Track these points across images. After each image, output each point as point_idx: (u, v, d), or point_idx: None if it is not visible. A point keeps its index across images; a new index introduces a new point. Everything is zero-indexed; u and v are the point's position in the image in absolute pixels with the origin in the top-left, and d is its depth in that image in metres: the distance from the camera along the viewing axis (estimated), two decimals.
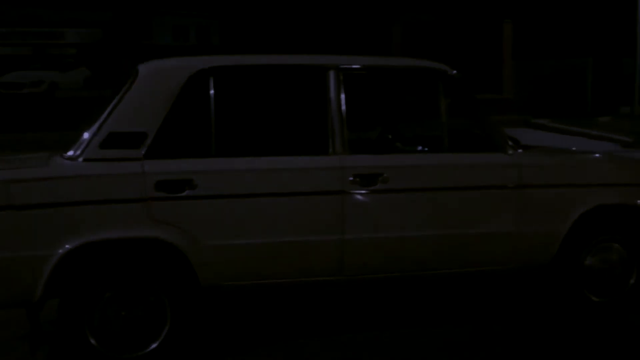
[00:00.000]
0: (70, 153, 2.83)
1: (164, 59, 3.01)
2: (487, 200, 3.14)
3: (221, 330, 3.32)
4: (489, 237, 3.15)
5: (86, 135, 2.85)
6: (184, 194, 2.77)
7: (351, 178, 2.95)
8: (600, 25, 14.63)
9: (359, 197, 2.97)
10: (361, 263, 3.01)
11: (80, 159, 2.75)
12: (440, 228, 3.08)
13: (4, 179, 2.64)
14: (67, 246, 2.63)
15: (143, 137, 2.78)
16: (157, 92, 2.82)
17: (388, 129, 3.45)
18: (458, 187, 3.09)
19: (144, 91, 2.83)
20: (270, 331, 3.27)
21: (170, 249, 2.79)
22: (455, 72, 3.18)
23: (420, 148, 3.23)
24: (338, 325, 3.31)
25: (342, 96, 3.01)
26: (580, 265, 3.36)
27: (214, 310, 3.52)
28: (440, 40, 14.62)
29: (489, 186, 3.13)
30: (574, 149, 4.22)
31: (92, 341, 2.70)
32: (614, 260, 3.40)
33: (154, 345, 2.80)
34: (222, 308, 3.56)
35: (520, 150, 3.26)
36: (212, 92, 2.87)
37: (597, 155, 3.75)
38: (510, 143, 3.23)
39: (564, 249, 3.29)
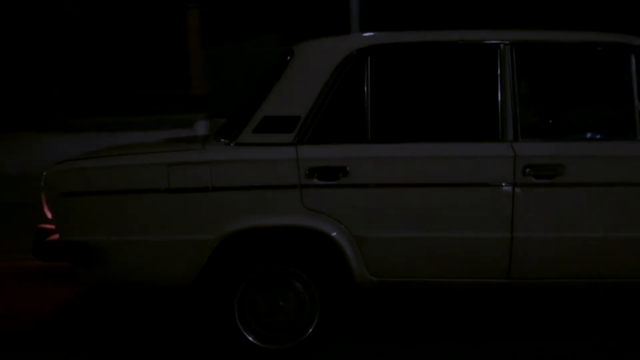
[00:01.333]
0: (224, 137, 2.77)
1: (321, 39, 2.84)
2: None
3: (363, 324, 3.13)
4: None
5: (240, 119, 2.78)
6: (337, 182, 2.60)
7: (524, 168, 2.60)
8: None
9: (531, 190, 2.61)
10: (531, 265, 2.66)
11: (234, 144, 2.67)
12: (627, 230, 2.63)
13: (163, 162, 2.63)
14: (223, 231, 2.58)
15: (296, 121, 2.64)
16: (313, 73, 2.66)
17: (560, 113, 3.02)
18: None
19: (300, 72, 2.68)
20: (422, 329, 3.03)
21: (323, 239, 2.63)
22: None
23: (600, 136, 2.77)
24: (487, 332, 2.99)
25: (515, 76, 2.66)
26: None
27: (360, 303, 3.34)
28: (119, 32, 13.04)
29: None
30: None
31: (241, 328, 2.64)
32: None
33: (302, 338, 2.68)
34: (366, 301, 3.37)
35: None
36: (369, 72, 2.66)
37: None
38: None
39: None
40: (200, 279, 2.67)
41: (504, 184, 2.60)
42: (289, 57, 2.76)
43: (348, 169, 2.60)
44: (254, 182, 2.60)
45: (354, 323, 3.08)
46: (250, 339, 2.68)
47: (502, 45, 2.68)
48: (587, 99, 2.94)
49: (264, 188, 2.60)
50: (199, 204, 2.60)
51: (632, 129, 2.68)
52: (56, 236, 2.71)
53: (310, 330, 2.68)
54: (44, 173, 2.74)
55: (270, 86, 2.72)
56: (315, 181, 2.60)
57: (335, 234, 2.61)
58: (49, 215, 2.72)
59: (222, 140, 2.78)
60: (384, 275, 2.69)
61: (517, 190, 2.60)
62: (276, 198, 2.60)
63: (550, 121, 3.03)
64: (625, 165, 2.63)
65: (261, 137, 2.65)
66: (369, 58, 2.67)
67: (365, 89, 2.66)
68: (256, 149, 2.65)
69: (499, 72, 2.67)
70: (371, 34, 2.75)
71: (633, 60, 2.67)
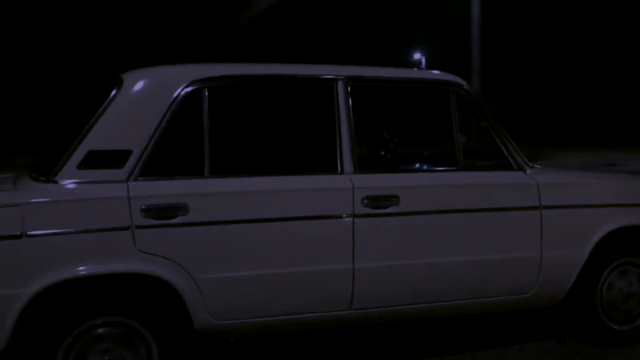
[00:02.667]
0: (42, 175, 2.45)
1: (152, 67, 2.65)
2: (507, 223, 2.88)
3: None
4: (510, 262, 2.89)
5: (60, 154, 2.48)
6: (176, 220, 2.42)
7: (362, 200, 2.65)
8: None
9: (370, 221, 2.67)
10: (372, 294, 2.70)
11: (53, 181, 2.37)
12: (460, 254, 2.80)
13: None
14: (39, 284, 2.24)
15: (127, 155, 2.42)
16: (146, 104, 2.47)
17: (394, 147, 3.17)
18: (475, 209, 2.83)
19: (130, 103, 2.47)
20: None
21: (159, 284, 2.42)
22: (467, 84, 2.95)
23: (430, 167, 2.95)
24: None
25: (351, 110, 2.73)
26: (600, 291, 3.14)
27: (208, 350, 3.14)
28: None
29: (509, 208, 2.88)
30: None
31: None
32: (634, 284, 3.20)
33: None
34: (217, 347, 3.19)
35: (537, 168, 3.03)
36: (206, 104, 2.54)
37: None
38: (527, 161, 3.00)
39: (583, 274, 3.07)
40: (15, 342, 2.29)
41: (344, 216, 2.63)
42: (116, 87, 2.53)
43: (187, 205, 2.44)
44: (78, 225, 2.31)
45: None
46: None
47: (338, 81, 2.74)
48: (420, 133, 3.12)
49: (90, 231, 2.32)
50: (8, 254, 2.24)
51: (456, 159, 2.89)
52: None
53: None
54: None
55: (97, 118, 2.47)
56: (151, 221, 2.40)
57: (173, 278, 2.42)
58: None
59: (39, 178, 2.45)
60: (228, 318, 2.54)
61: (357, 221, 2.64)
62: (104, 242, 2.34)
63: (386, 154, 3.16)
64: (450, 193, 2.81)
65: (86, 173, 2.38)
66: (205, 89, 2.55)
67: (203, 121, 2.53)
68: (80, 187, 2.37)
69: (335, 107, 2.71)
70: (208, 65, 2.64)
71: (454, 98, 2.90)
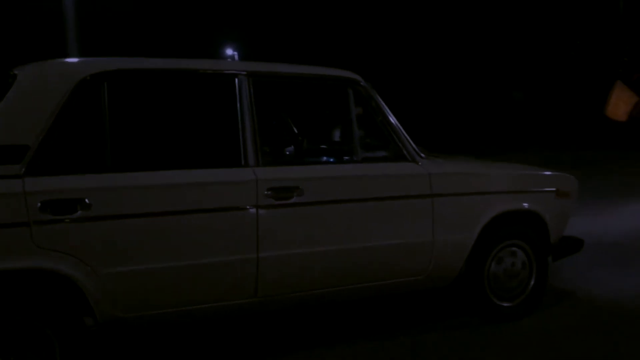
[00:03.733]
0: None
1: (47, 61, 2.61)
2: (401, 210, 3.08)
3: None
4: (405, 246, 3.09)
5: None
6: (74, 215, 2.41)
7: (265, 191, 2.75)
8: None
9: (274, 212, 2.77)
10: (276, 282, 2.81)
11: None
12: (359, 241, 2.96)
13: None
14: None
15: (24, 150, 2.38)
16: (43, 99, 2.43)
17: (299, 140, 3.29)
18: (373, 198, 3.00)
19: (26, 98, 2.43)
20: None
21: (60, 280, 2.40)
22: (364, 81, 3.13)
23: (332, 159, 3.10)
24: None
25: (254, 105, 2.82)
26: (488, 271, 3.42)
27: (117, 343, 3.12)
28: None
29: (404, 196, 3.09)
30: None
31: None
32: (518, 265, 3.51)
33: None
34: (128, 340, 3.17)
35: (429, 160, 3.25)
36: (106, 99, 2.54)
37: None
38: (420, 153, 3.22)
39: (472, 256, 3.34)
40: None
41: (248, 207, 2.71)
42: (10, 82, 2.48)
43: (86, 200, 2.43)
44: None
45: None
46: None
47: (240, 76, 2.82)
48: (326, 126, 3.26)
49: None
50: None
51: (355, 152, 3.06)
52: None
53: None
54: None
55: None
56: (49, 216, 2.37)
57: (73, 273, 2.41)
58: None
59: None
60: (132, 310, 2.56)
61: (261, 212, 2.74)
62: (0, 238, 2.30)
63: (293, 147, 3.27)
64: (348, 184, 2.97)
65: None
66: (105, 84, 2.55)
67: (103, 115, 2.53)
68: None
69: (238, 101, 2.80)
70: (107, 58, 2.63)
71: (351, 93, 3.06)
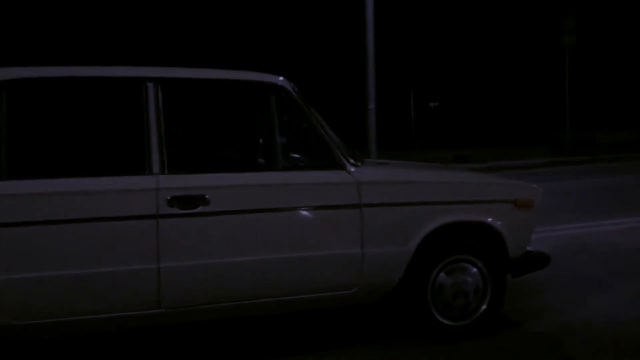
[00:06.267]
0: None
1: None
2: (324, 221, 2.92)
3: None
4: (328, 259, 2.93)
5: None
6: None
7: (169, 200, 2.68)
8: None
9: (176, 221, 2.70)
10: (180, 294, 2.72)
11: None
12: (272, 252, 2.83)
13: None
14: None
15: None
16: None
17: (217, 147, 3.18)
18: (290, 207, 2.87)
19: None
20: None
21: None
22: (288, 84, 3.00)
23: (247, 167, 2.98)
24: None
25: (161, 111, 2.77)
26: (432, 287, 3.19)
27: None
28: None
29: (326, 206, 2.93)
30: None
31: None
32: (468, 283, 3.25)
33: None
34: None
35: (361, 167, 3.08)
36: (4, 107, 2.57)
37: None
38: (350, 160, 3.05)
39: (411, 270, 3.13)
40: None
41: (147, 216, 2.65)
42: None
43: None
44: None
45: None
46: None
47: (147, 82, 2.77)
48: (246, 132, 3.15)
49: None
50: None
51: (274, 159, 2.93)
52: None
53: None
54: None
55: None
56: None
57: None
58: None
59: None
60: (27, 318, 2.55)
61: (162, 221, 2.67)
62: None
63: (208, 155, 3.16)
64: (265, 193, 2.84)
65: None
66: (4, 93, 2.58)
67: (1, 124, 2.56)
68: None
69: (144, 108, 2.75)
70: (4, 68, 2.66)
71: (274, 98, 2.94)
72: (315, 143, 3.00)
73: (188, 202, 2.71)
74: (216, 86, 2.94)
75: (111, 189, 2.64)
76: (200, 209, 2.73)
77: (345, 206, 2.96)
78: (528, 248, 3.51)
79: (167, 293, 2.70)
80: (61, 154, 2.69)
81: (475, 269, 3.27)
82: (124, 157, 2.75)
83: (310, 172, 2.97)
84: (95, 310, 2.64)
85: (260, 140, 3.03)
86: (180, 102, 2.86)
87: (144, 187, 2.67)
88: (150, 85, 2.77)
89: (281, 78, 3.00)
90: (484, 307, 3.28)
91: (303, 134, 3.02)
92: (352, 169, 3.02)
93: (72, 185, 2.60)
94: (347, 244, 2.96)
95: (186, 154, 2.86)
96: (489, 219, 3.24)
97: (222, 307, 2.83)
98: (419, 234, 3.09)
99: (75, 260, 2.57)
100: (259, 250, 2.82)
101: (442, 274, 3.21)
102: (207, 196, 2.74)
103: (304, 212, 2.89)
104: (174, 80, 2.84)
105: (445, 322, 3.22)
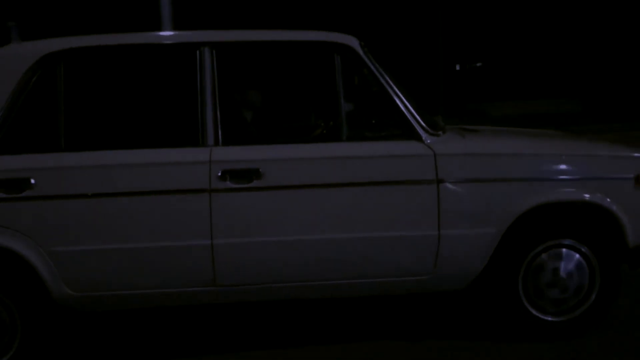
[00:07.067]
0: None
1: (10, 45, 2.69)
2: (394, 198, 2.60)
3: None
4: (398, 241, 2.61)
5: None
6: (23, 194, 2.47)
7: (219, 174, 2.52)
8: None
9: (229, 196, 2.53)
10: (235, 271, 2.58)
11: None
12: (332, 231, 2.58)
13: None
14: None
15: None
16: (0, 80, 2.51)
17: (276, 116, 2.94)
18: (354, 182, 2.57)
19: None
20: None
21: (12, 257, 2.50)
22: (356, 43, 2.65)
23: (308, 138, 2.72)
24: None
25: (216, 78, 2.58)
26: (524, 277, 2.75)
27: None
28: None
29: (397, 182, 2.59)
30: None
31: None
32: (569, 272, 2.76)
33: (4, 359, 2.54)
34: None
35: (442, 137, 2.68)
36: (62, 77, 2.53)
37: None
38: (428, 129, 2.66)
39: (499, 257, 2.71)
40: None
41: (199, 190, 2.51)
42: None
43: (33, 180, 2.47)
44: None
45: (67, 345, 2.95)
46: None
47: (201, 47, 2.59)
48: (314, 100, 2.88)
49: None
50: None
51: (339, 129, 2.64)
52: None
53: (11, 354, 2.55)
54: None
55: None
56: (1, 194, 2.47)
57: (24, 250, 2.48)
58: None
59: None
60: (85, 289, 2.57)
61: (214, 195, 2.52)
62: None
63: (266, 125, 2.95)
64: (325, 166, 2.57)
65: None
66: (62, 63, 2.54)
67: (58, 94, 2.53)
68: None
69: (198, 75, 2.58)
70: (65, 38, 2.61)
71: (339, 60, 2.62)
72: (385, 109, 2.66)
73: (241, 175, 2.53)
74: (274, 49, 2.68)
75: (164, 161, 2.53)
76: (254, 183, 2.54)
77: (418, 182, 2.60)
78: None
79: (221, 271, 2.57)
80: (115, 125, 2.63)
81: (579, 257, 2.76)
82: (179, 128, 2.62)
83: (379, 143, 2.64)
84: (152, 285, 2.59)
85: (324, 107, 2.74)
86: (236, 67, 2.66)
87: (197, 160, 2.53)
88: (205, 50, 2.59)
89: (347, 36, 2.67)
90: (589, 302, 2.78)
91: (373, 100, 2.68)
92: (429, 140, 2.64)
93: (125, 158, 2.53)
94: (421, 224, 2.61)
95: (243, 124, 2.67)
96: (598, 199, 2.69)
97: (279, 287, 2.65)
98: (509, 215, 2.64)
99: (128, 233, 2.52)
100: (318, 229, 2.57)
101: (538, 261, 2.75)
102: (261, 169, 2.54)
103: (370, 189, 2.58)
104: (229, 44, 2.62)
105: (541, 316, 2.78)
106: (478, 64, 16.05)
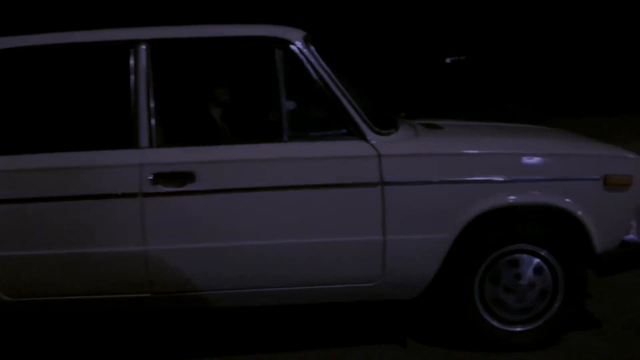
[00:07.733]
0: None
1: None
2: (335, 202, 2.46)
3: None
4: (341, 246, 2.48)
5: None
6: None
7: (151, 177, 2.42)
8: None
9: (161, 200, 2.43)
10: (170, 278, 2.48)
11: None
12: (270, 237, 2.46)
13: None
14: None
15: None
16: None
17: (214, 116, 2.81)
18: (294, 185, 2.44)
19: None
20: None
21: None
22: (299, 37, 2.51)
23: (248, 139, 2.59)
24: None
25: (151, 77, 2.48)
26: (480, 284, 2.59)
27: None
28: None
29: (338, 184, 2.45)
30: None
31: None
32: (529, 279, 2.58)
33: None
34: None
35: (390, 135, 2.52)
36: None
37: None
38: (374, 127, 2.51)
39: (451, 263, 2.55)
40: None
41: (131, 195, 2.42)
42: None
43: None
44: None
45: None
46: None
47: (136, 45, 2.49)
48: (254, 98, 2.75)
49: None
50: None
51: (278, 130, 2.50)
52: None
53: None
54: None
55: None
56: None
57: None
58: None
59: None
60: (20, 295, 2.51)
61: (146, 200, 2.43)
62: None
63: (188, 126, 2.80)
64: (261, 168, 2.45)
65: None
66: None
67: None
68: None
69: (133, 74, 2.48)
70: None
71: (280, 56, 2.48)
72: (329, 107, 2.51)
73: (174, 178, 2.43)
74: (214, 45, 2.55)
75: (94, 164, 2.44)
76: (188, 186, 2.43)
77: (362, 184, 2.46)
78: (627, 238, 2.68)
79: (156, 277, 2.48)
80: (44, 127, 2.55)
81: (539, 264, 2.58)
82: (112, 130, 2.53)
83: (321, 144, 2.50)
84: (87, 291, 2.52)
85: (263, 106, 2.62)
86: (173, 65, 2.55)
87: (127, 163, 2.44)
88: (139, 47, 2.48)
89: (290, 30, 2.53)
90: (553, 309, 2.60)
91: (316, 98, 2.54)
92: (375, 139, 2.49)
93: (55, 161, 2.45)
94: (366, 229, 2.47)
95: (178, 125, 2.56)
96: (560, 202, 2.51)
97: (218, 294, 2.54)
98: (459, 220, 2.48)
99: (62, 239, 2.45)
100: (256, 235, 2.46)
101: (494, 268, 2.58)
102: (195, 172, 2.43)
103: (312, 192, 2.45)
104: (165, 41, 2.52)
105: (499, 326, 2.61)
106: (462, 57, 15.90)
